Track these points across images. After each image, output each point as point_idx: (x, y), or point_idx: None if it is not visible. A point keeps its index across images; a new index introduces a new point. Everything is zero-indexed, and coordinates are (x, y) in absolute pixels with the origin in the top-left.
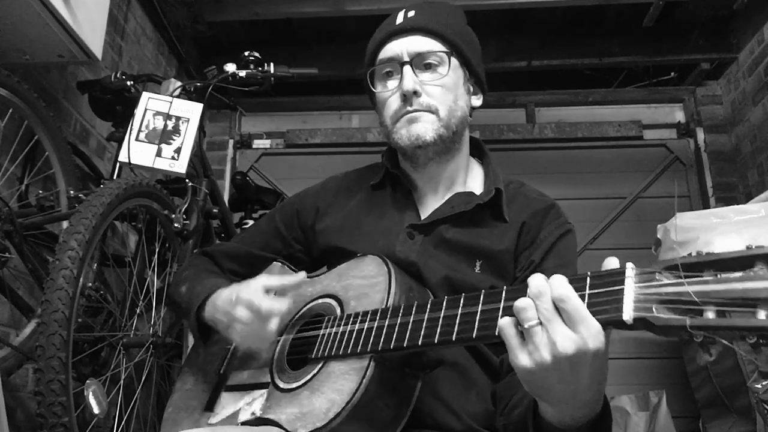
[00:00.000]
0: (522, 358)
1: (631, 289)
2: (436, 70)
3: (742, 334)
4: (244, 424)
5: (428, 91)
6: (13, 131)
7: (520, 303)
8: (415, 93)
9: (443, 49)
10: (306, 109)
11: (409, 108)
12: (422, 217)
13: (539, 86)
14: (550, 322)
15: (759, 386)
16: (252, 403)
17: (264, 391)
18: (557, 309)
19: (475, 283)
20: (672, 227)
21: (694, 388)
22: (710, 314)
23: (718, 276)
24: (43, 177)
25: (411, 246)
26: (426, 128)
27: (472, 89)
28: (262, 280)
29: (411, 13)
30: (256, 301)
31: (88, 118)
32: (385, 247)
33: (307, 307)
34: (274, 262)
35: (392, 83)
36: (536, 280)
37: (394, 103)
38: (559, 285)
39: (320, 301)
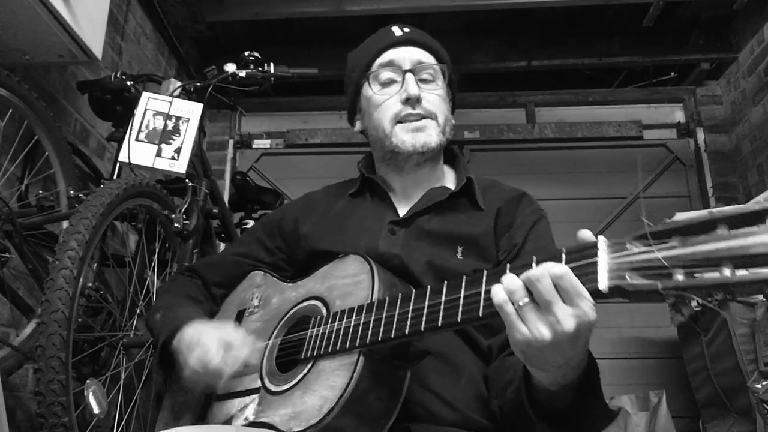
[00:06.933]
0: (521, 333)
1: (604, 260)
2: (431, 82)
3: (709, 291)
4: None
5: (427, 98)
6: (13, 131)
7: (511, 285)
8: (418, 99)
9: (439, 63)
10: (306, 109)
11: (411, 111)
12: (401, 214)
13: (539, 86)
14: (552, 303)
15: (759, 386)
16: (244, 409)
17: (255, 396)
18: (556, 288)
19: (458, 268)
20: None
21: (694, 388)
22: (679, 276)
23: (684, 241)
24: (43, 177)
25: (394, 240)
26: (431, 135)
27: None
28: (223, 333)
29: (407, 30)
30: (207, 357)
31: (88, 118)
32: (368, 245)
33: (293, 310)
34: (255, 271)
35: (391, 89)
36: (533, 270)
37: (393, 106)
38: (552, 264)
39: (305, 303)
